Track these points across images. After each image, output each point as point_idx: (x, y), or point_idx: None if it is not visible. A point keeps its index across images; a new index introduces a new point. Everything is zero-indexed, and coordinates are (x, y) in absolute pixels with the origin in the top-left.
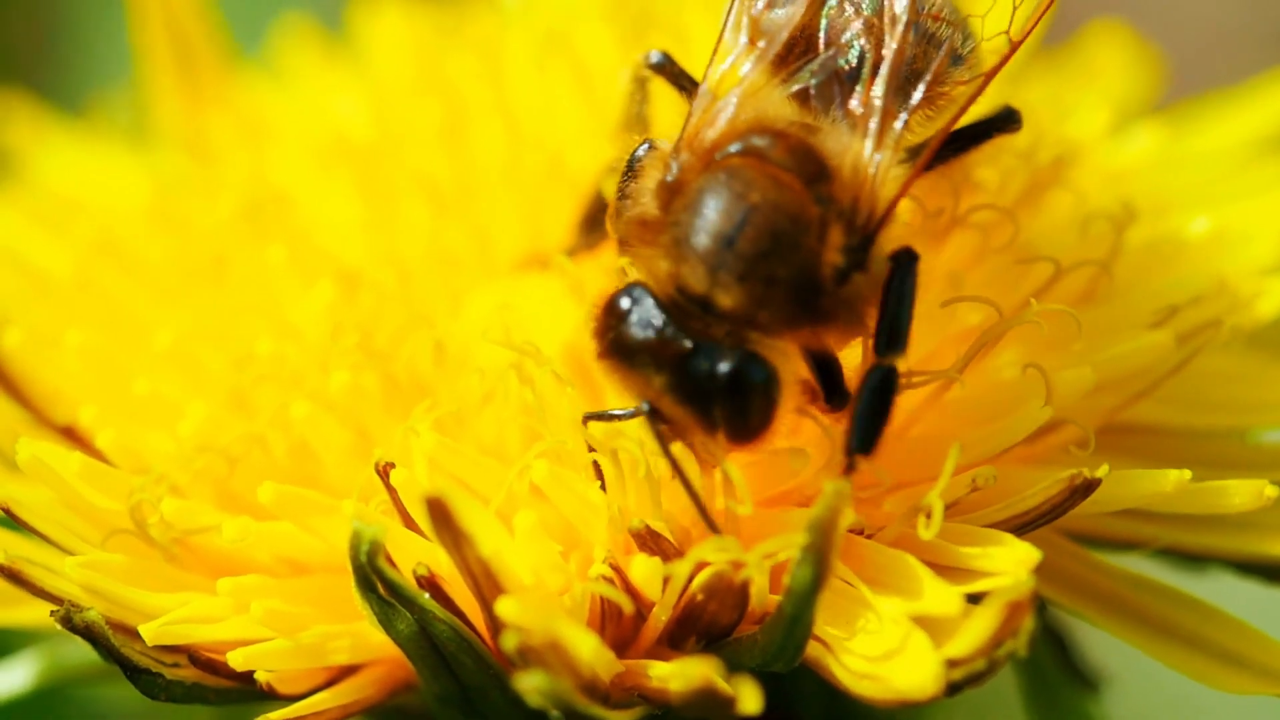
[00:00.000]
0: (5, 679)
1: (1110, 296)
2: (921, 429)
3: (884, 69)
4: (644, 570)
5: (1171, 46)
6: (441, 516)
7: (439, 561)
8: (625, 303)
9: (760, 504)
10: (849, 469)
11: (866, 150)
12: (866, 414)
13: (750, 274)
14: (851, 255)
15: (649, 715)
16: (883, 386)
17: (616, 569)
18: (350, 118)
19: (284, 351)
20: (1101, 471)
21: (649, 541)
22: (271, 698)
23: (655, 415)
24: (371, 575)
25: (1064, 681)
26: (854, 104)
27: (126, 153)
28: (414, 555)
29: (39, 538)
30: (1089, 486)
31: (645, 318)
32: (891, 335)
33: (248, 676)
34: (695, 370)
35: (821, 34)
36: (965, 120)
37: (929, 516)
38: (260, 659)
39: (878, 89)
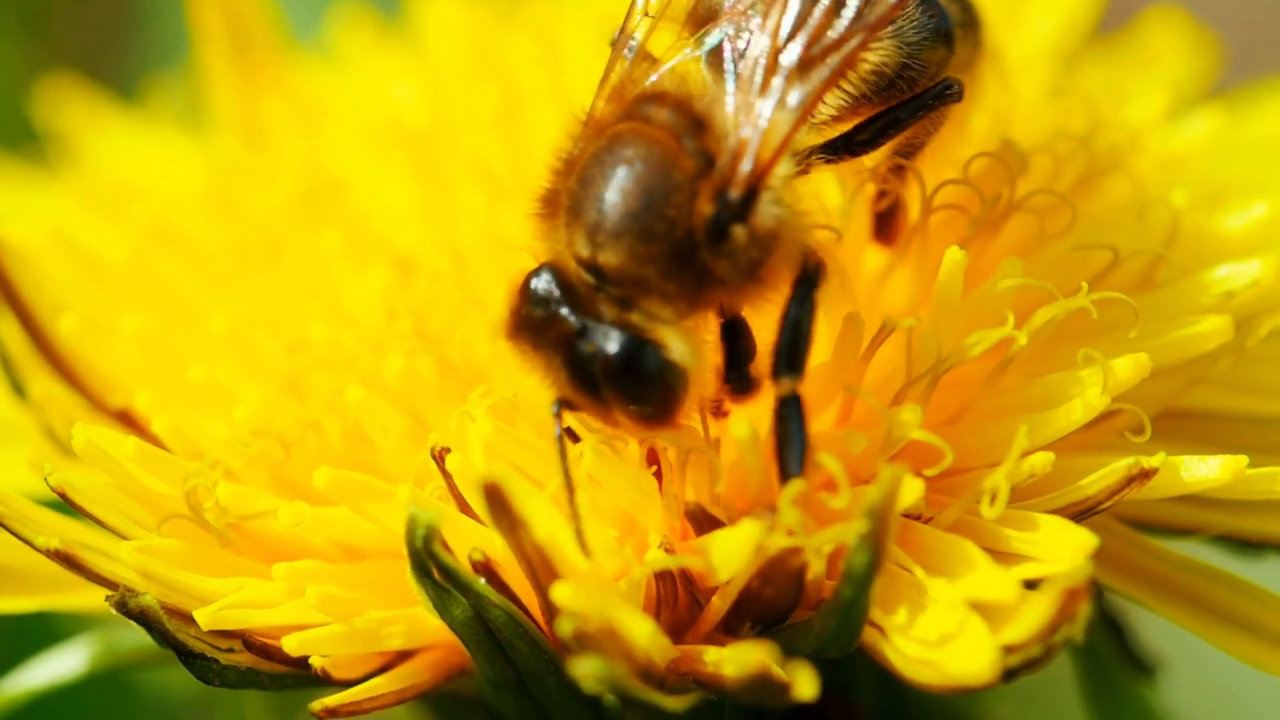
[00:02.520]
0: (60, 664)
1: (1168, 282)
2: (977, 414)
3: (768, 24)
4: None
5: (1225, 32)
6: (497, 501)
7: (494, 546)
8: (531, 283)
9: (814, 487)
10: (785, 484)
11: (750, 102)
12: (781, 445)
13: (625, 230)
14: (726, 205)
15: (704, 700)
16: (786, 415)
17: (672, 553)
18: (406, 103)
19: (339, 336)
20: (1158, 459)
21: (705, 526)
22: (326, 683)
23: (562, 401)
24: (427, 560)
25: (1120, 667)
26: (741, 62)
27: (182, 138)
28: (469, 540)
29: (94, 523)
30: (1146, 475)
31: (544, 298)
32: (787, 357)
33: (302, 662)
34: (581, 352)
35: (725, 2)
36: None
37: (993, 499)
38: (315, 644)
39: (760, 44)
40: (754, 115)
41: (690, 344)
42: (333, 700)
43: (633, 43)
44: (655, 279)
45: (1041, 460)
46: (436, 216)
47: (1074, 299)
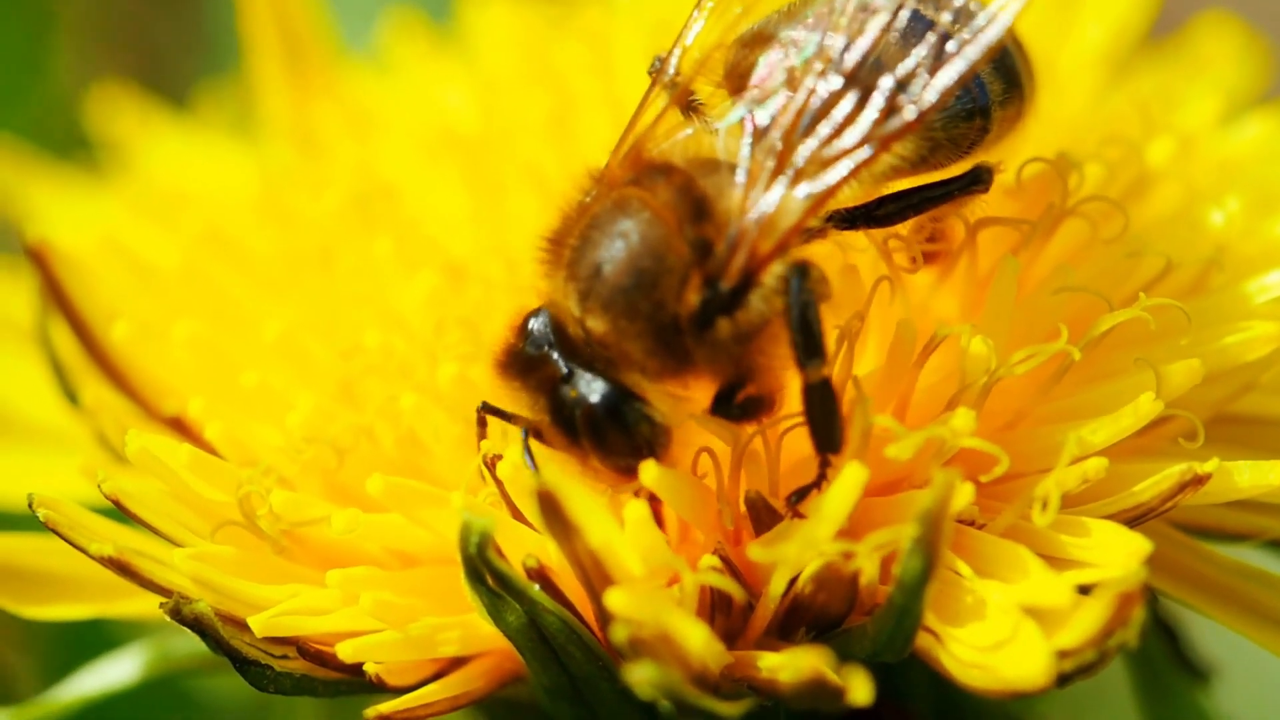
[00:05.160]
0: (114, 670)
1: (1220, 287)
2: (1031, 422)
3: (790, 110)
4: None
5: (1278, 37)
6: (551, 508)
7: (548, 553)
8: (529, 323)
9: (869, 492)
10: (823, 470)
11: (756, 192)
12: (816, 424)
13: (612, 304)
14: (714, 298)
15: (759, 706)
16: (819, 399)
17: (726, 559)
18: (458, 109)
19: (392, 343)
20: (1211, 465)
21: (764, 517)
22: (380, 690)
23: (536, 435)
24: (481, 567)
25: (1174, 672)
26: (756, 146)
27: (234, 144)
28: (523, 547)
29: (148, 530)
30: (1200, 480)
31: (537, 339)
32: (804, 349)
33: (356, 668)
34: (564, 397)
35: (754, 76)
36: (933, 178)
37: (1045, 506)
38: (369, 651)
39: (779, 131)
40: (758, 206)
41: (673, 401)
42: (387, 707)
43: (668, 75)
44: (637, 353)
45: (1095, 466)
46: (488, 222)
47: (1129, 309)
